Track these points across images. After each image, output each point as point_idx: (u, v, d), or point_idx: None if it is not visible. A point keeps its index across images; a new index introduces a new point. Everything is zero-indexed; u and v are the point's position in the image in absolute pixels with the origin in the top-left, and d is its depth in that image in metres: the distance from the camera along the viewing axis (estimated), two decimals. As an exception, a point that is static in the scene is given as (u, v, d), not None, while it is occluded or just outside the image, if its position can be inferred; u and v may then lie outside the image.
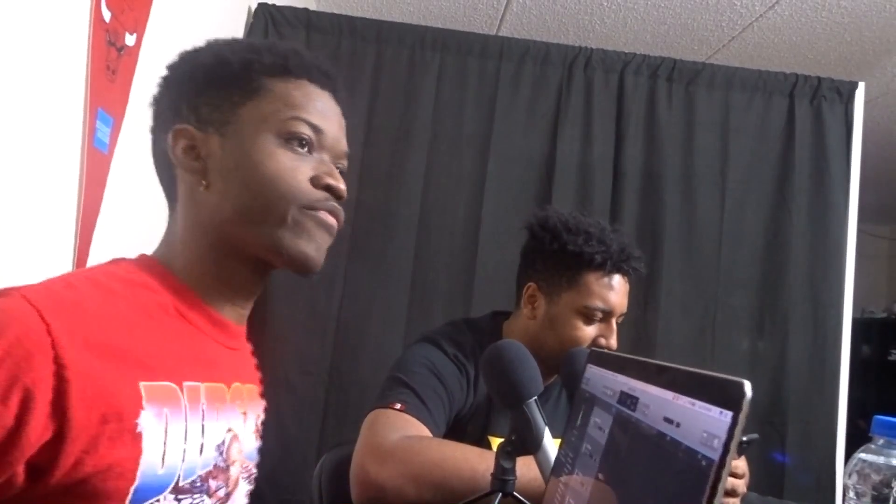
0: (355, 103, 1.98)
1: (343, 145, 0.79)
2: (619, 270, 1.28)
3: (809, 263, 2.05)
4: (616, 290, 1.28)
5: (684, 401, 0.39)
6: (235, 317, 0.78)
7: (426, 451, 1.06)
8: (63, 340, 0.55)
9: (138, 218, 1.28)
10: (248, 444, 0.78)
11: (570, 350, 1.20)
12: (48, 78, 0.96)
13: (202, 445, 0.67)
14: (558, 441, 0.83)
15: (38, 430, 0.54)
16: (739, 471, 1.12)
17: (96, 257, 1.11)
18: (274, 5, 1.97)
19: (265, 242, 0.73)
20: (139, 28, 1.20)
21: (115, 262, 0.73)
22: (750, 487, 1.18)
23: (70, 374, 0.55)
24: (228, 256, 0.74)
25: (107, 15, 1.08)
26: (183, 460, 0.64)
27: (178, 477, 0.64)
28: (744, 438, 1.11)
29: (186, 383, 0.67)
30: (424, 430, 1.11)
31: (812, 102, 2.11)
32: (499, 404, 1.11)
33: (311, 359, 1.89)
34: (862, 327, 4.42)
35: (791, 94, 2.11)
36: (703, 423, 0.36)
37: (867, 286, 4.36)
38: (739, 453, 1.11)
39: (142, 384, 0.61)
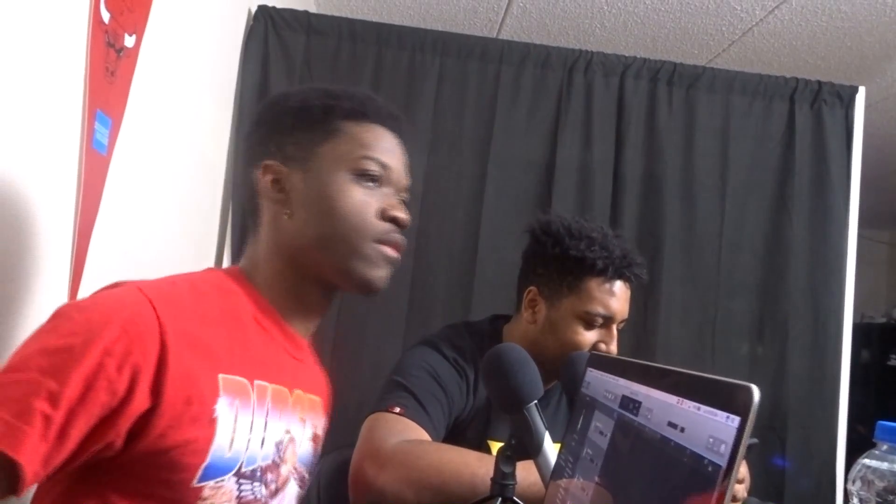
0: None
1: (405, 179, 0.90)
2: (620, 276, 1.27)
3: (809, 268, 2.05)
4: (617, 297, 1.27)
5: (689, 405, 0.39)
6: (303, 330, 0.89)
7: (425, 455, 1.05)
8: (168, 328, 0.64)
9: (136, 220, 1.27)
10: (303, 448, 0.87)
11: (571, 354, 1.20)
12: (46, 79, 0.96)
13: (263, 440, 0.76)
14: (559, 445, 0.83)
15: (139, 402, 0.62)
16: (739, 475, 1.12)
17: (94, 259, 1.10)
18: (274, 8, 1.97)
19: (338, 268, 0.84)
20: (138, 29, 1.19)
21: (209, 270, 0.85)
22: (750, 492, 1.17)
23: (170, 358, 0.64)
24: (304, 277, 0.85)
25: (106, 16, 1.07)
26: (247, 449, 0.73)
27: (241, 463, 0.72)
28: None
29: (257, 382, 0.76)
30: (423, 434, 1.11)
31: (812, 107, 2.10)
32: (499, 408, 1.10)
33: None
34: (862, 332, 4.41)
35: (791, 98, 2.10)
36: (709, 428, 0.35)
37: (867, 291, 4.35)
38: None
39: (220, 376, 0.70)
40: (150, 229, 1.35)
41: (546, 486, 0.83)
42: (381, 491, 1.01)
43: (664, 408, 0.42)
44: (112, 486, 0.66)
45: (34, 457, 0.58)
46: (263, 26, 1.96)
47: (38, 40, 0.93)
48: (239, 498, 0.72)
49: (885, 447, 0.66)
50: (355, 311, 1.92)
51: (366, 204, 0.84)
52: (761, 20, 2.51)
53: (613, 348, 1.28)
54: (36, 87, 0.93)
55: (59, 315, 0.65)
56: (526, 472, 0.89)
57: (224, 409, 0.69)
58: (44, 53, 0.94)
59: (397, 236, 0.86)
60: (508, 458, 0.86)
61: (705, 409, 0.37)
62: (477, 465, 1.02)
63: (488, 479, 0.87)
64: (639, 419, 0.46)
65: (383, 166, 0.86)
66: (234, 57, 1.90)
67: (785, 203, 2.07)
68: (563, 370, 1.18)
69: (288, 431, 0.82)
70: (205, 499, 0.68)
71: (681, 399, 0.40)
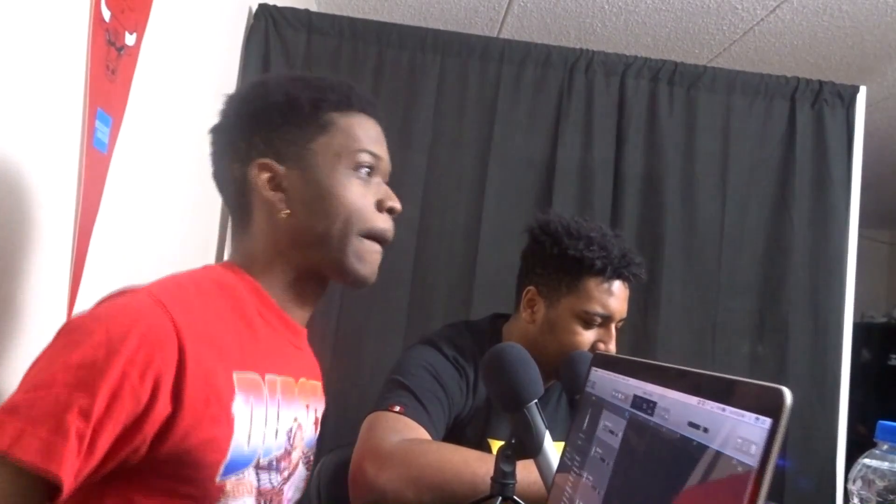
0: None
1: (389, 165, 0.92)
2: (619, 276, 1.27)
3: (810, 268, 2.04)
4: (616, 296, 1.27)
5: (712, 406, 0.39)
6: (301, 319, 0.89)
7: (425, 454, 1.05)
8: (184, 333, 0.65)
9: (137, 218, 1.27)
10: (308, 432, 0.90)
11: (571, 354, 1.20)
12: (47, 77, 0.95)
13: (276, 431, 0.78)
14: (559, 444, 0.83)
15: (162, 407, 0.64)
16: None
17: (95, 257, 1.10)
18: (275, 6, 1.97)
19: (336, 265, 0.85)
20: (139, 28, 1.19)
21: (207, 267, 0.84)
22: None
23: (188, 361, 0.65)
24: (301, 271, 0.85)
25: (107, 14, 1.07)
26: (263, 442, 0.75)
27: (259, 455, 0.74)
28: None
29: (268, 376, 0.77)
30: (423, 433, 1.11)
31: (813, 107, 2.10)
32: (499, 407, 1.10)
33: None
34: (862, 332, 4.41)
35: (792, 97, 2.10)
36: (736, 428, 0.36)
37: (867, 291, 4.35)
38: None
39: (235, 374, 0.71)
40: (150, 228, 1.35)
41: (547, 485, 0.83)
42: (382, 490, 1.01)
43: (683, 408, 0.42)
44: (136, 487, 0.67)
45: (71, 471, 0.59)
46: (264, 25, 1.95)
47: (38, 38, 0.93)
48: (259, 489, 0.75)
49: (885, 447, 0.66)
50: (356, 311, 1.92)
51: (364, 196, 0.85)
52: (762, 20, 2.50)
53: (612, 347, 1.28)
54: (37, 86, 0.93)
55: (74, 329, 0.65)
56: (526, 472, 0.89)
57: (240, 406, 0.71)
58: (44, 52, 0.94)
59: (390, 227, 0.89)
60: (509, 457, 0.86)
61: (731, 411, 0.37)
62: (477, 465, 1.02)
63: (488, 479, 0.87)
64: (655, 419, 0.46)
65: (376, 157, 0.87)
66: (235, 55, 1.90)
67: (786, 202, 2.07)
68: (564, 370, 1.18)
69: (296, 419, 0.84)
70: (227, 493, 0.70)
71: (702, 400, 0.40)
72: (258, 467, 0.74)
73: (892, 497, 0.62)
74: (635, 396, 0.51)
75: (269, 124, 0.85)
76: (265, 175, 0.84)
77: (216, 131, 0.91)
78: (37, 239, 0.97)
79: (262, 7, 1.96)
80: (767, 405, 0.34)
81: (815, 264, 2.05)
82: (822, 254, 2.05)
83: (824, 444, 1.98)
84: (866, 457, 0.67)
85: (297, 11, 1.99)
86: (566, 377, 1.19)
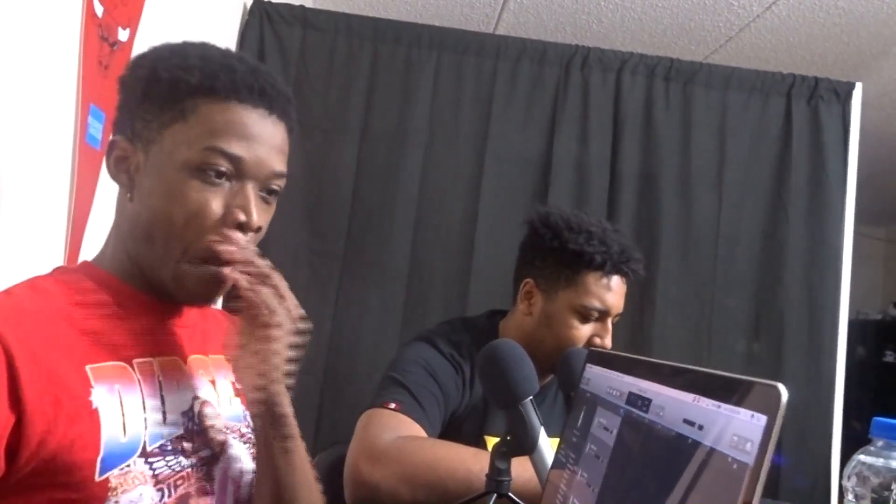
0: (351, 101, 1.97)
1: (272, 166, 0.76)
2: (618, 272, 1.27)
3: (806, 265, 2.05)
4: (614, 291, 1.27)
5: (707, 403, 0.38)
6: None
7: (420, 451, 1.05)
8: (9, 338, 0.61)
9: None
10: (227, 408, 0.84)
11: (568, 350, 1.20)
12: (40, 73, 0.95)
13: (164, 413, 0.73)
14: (555, 441, 0.83)
15: (4, 418, 0.60)
16: None
17: (88, 252, 1.10)
18: (269, 2, 1.96)
19: (155, 277, 0.75)
20: (132, 23, 1.19)
21: (54, 269, 0.78)
22: None
23: (19, 367, 0.61)
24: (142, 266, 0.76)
25: (99, 10, 1.07)
26: (146, 428, 0.70)
27: (144, 443, 0.70)
28: None
29: (137, 361, 0.73)
30: (419, 430, 1.10)
31: (809, 103, 2.10)
32: (494, 404, 1.10)
33: (305, 358, 1.88)
34: (857, 329, 4.42)
35: (788, 94, 2.10)
36: (732, 426, 0.35)
37: (863, 288, 4.37)
38: None
39: (89, 367, 0.67)
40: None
41: (542, 482, 0.83)
42: (377, 487, 1.01)
43: (678, 405, 0.42)
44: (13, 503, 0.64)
45: None
46: (259, 21, 1.95)
47: (31, 34, 0.92)
48: (155, 476, 0.70)
49: (880, 443, 0.66)
50: (352, 308, 1.92)
51: (206, 204, 0.72)
52: (758, 16, 2.50)
53: (608, 342, 1.28)
54: (29, 82, 0.93)
55: None
56: (521, 468, 0.89)
57: (103, 397, 0.67)
58: (37, 47, 0.94)
59: (235, 248, 0.72)
60: (504, 454, 0.86)
61: (726, 408, 0.36)
62: (472, 462, 1.02)
63: (483, 476, 0.87)
64: (649, 416, 0.46)
65: (233, 159, 0.72)
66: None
67: (781, 199, 2.07)
68: (560, 366, 1.18)
69: (197, 397, 0.79)
70: (114, 488, 0.66)
71: (697, 397, 0.40)
72: (147, 455, 0.70)
73: (886, 493, 0.62)
74: (630, 393, 0.51)
75: (132, 98, 0.75)
76: (115, 153, 0.75)
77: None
78: (30, 235, 0.96)
79: (256, 3, 1.95)
80: (763, 402, 0.34)
81: (810, 261, 2.05)
82: (817, 250, 2.05)
83: (819, 441, 1.99)
84: (861, 453, 0.67)
85: (292, 7, 1.99)
86: (562, 373, 1.19)
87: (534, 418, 0.87)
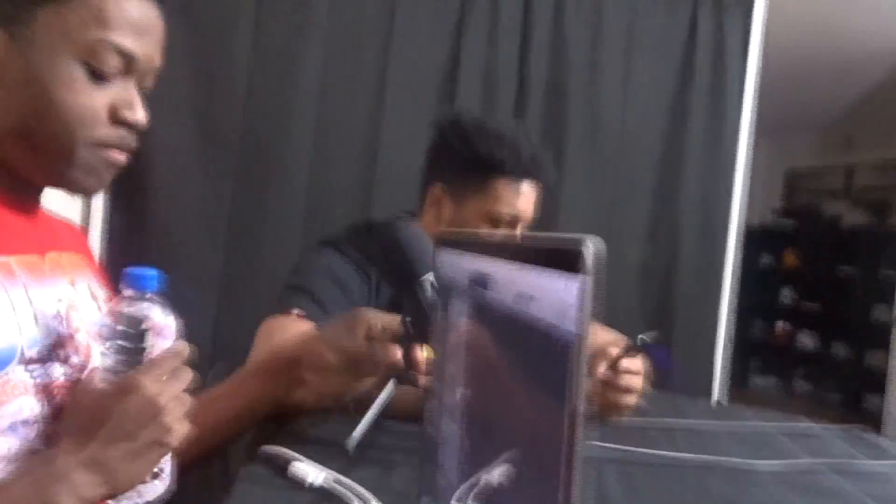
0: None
1: (156, 62, 0.71)
2: (529, 177, 1.24)
3: (702, 171, 2.10)
4: (525, 197, 1.24)
5: (533, 271, 0.35)
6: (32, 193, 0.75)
7: None
8: None
9: None
10: (89, 311, 0.77)
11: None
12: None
13: (35, 315, 0.67)
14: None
15: None
16: (635, 368, 1.09)
17: None
18: None
19: (48, 174, 0.70)
20: None
21: None
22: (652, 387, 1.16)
23: None
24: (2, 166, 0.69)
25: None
26: (20, 332, 0.64)
27: (21, 348, 0.64)
28: (642, 336, 1.10)
29: None
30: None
31: (713, 9, 2.10)
32: (393, 286, 1.06)
33: (200, 266, 1.81)
34: (754, 236, 4.71)
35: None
36: (555, 292, 0.32)
37: (760, 197, 4.60)
38: (636, 352, 1.08)
39: None
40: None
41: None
42: None
43: (510, 277, 0.39)
44: None
45: None
46: None
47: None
48: (36, 385, 0.65)
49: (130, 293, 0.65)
50: (247, 215, 1.84)
51: (92, 105, 0.66)
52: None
53: None
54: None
55: None
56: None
57: None
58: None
59: (128, 140, 0.70)
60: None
61: (548, 273, 0.33)
62: None
63: None
64: (489, 293, 0.43)
65: (127, 56, 0.67)
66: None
67: (683, 106, 2.10)
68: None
69: (60, 300, 0.72)
70: None
71: (522, 264, 0.37)
72: (27, 362, 0.64)
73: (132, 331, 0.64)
74: (473, 272, 0.48)
75: None
76: None
77: None
78: None
79: None
80: (574, 261, 0.30)
81: (707, 169, 2.10)
82: (714, 158, 2.11)
83: (706, 336, 2.11)
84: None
85: None
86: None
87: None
